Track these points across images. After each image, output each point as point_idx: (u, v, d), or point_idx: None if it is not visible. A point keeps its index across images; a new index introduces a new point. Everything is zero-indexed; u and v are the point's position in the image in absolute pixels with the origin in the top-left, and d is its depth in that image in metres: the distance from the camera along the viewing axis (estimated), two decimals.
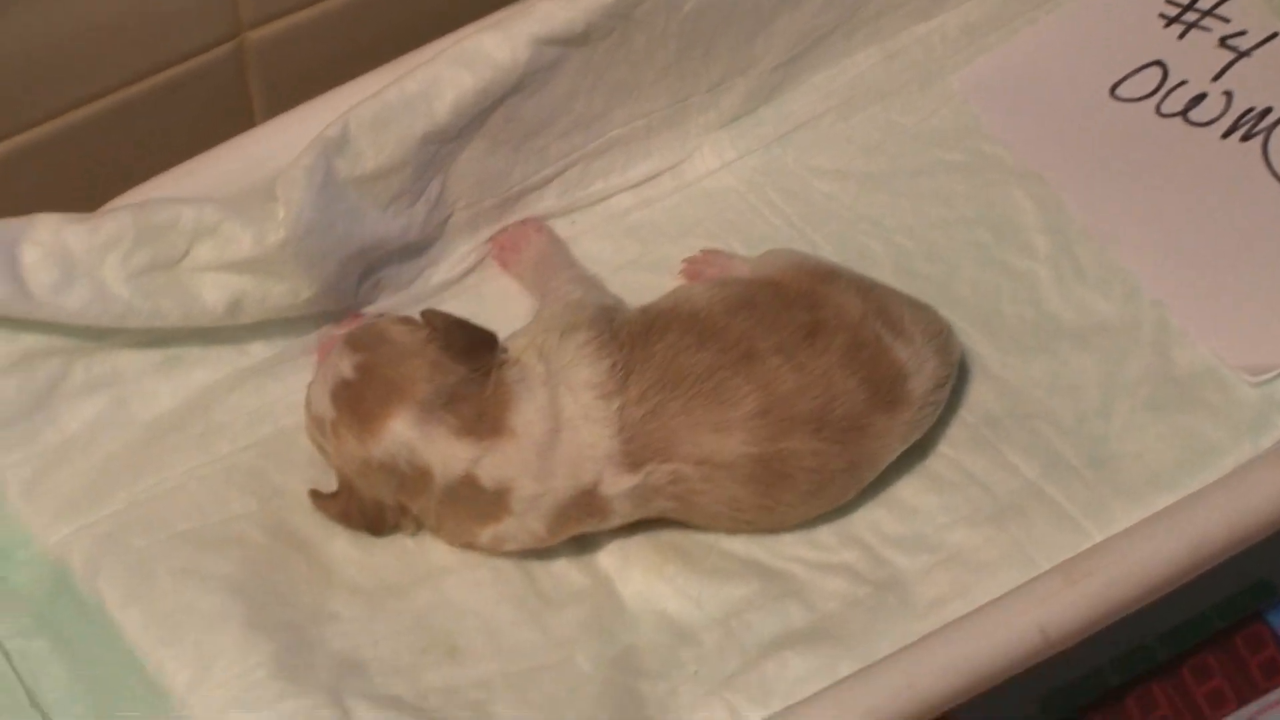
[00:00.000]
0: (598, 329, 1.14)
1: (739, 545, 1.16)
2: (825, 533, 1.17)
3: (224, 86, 1.28)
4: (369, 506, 1.13)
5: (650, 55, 1.25)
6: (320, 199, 1.15)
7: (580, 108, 1.24)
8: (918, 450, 1.19)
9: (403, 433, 1.10)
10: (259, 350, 1.20)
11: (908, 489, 1.18)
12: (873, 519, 1.17)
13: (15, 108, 1.21)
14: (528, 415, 1.12)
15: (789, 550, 1.16)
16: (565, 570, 1.16)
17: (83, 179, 1.24)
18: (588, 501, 1.12)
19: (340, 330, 1.20)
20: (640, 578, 1.15)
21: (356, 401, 1.11)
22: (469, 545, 1.14)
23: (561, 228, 1.28)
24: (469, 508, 1.12)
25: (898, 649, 1.08)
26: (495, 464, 1.11)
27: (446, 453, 1.11)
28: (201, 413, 1.18)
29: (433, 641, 1.13)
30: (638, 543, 1.16)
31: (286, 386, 1.20)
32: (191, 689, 1.09)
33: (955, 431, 1.20)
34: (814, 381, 1.13)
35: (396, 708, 1.09)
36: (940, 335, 1.18)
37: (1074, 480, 1.18)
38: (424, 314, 1.15)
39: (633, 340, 1.14)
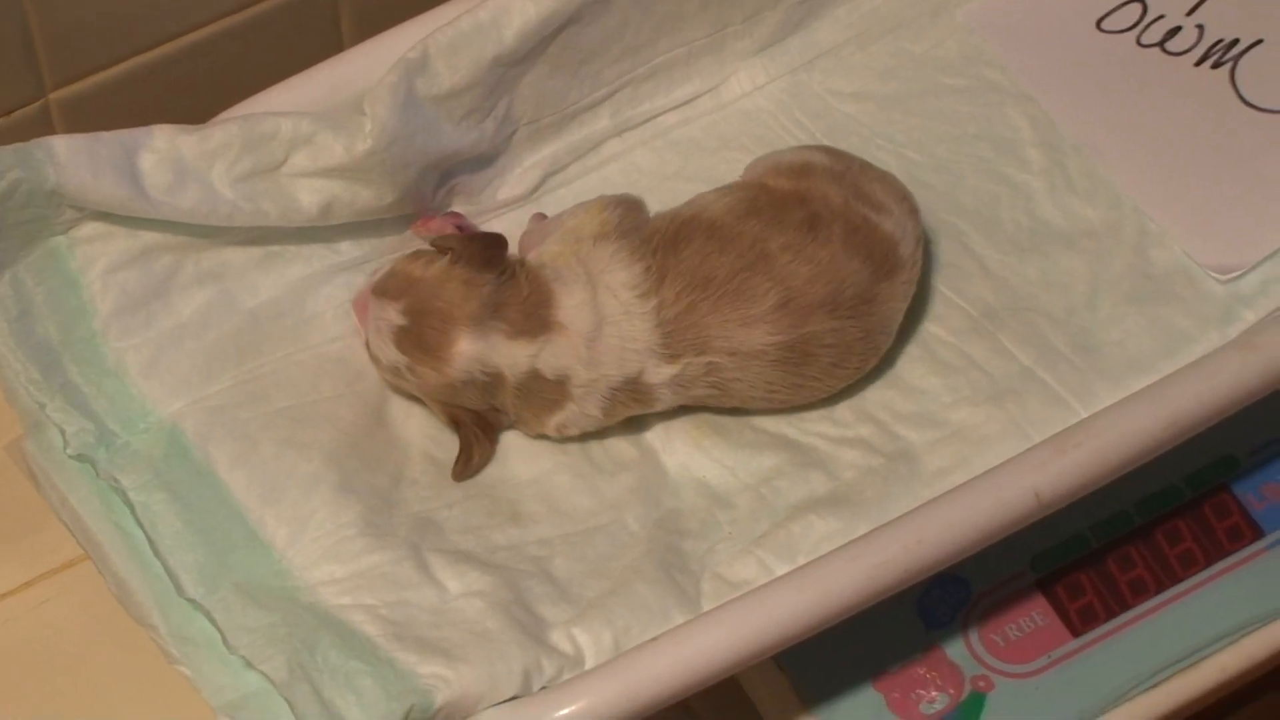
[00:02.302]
0: (629, 238, 1.19)
1: (769, 423, 1.21)
2: (844, 411, 1.22)
3: (318, 14, 1.32)
4: (478, 419, 1.18)
5: None
6: (402, 114, 1.20)
7: (630, 36, 1.29)
8: (925, 340, 1.24)
9: (470, 350, 1.16)
10: (347, 249, 1.25)
11: (916, 373, 1.23)
12: (885, 399, 1.22)
13: (137, 32, 1.25)
14: (571, 310, 1.17)
15: (813, 427, 1.21)
16: (616, 444, 1.21)
17: (194, 95, 1.28)
18: (635, 388, 1.18)
19: (415, 228, 1.26)
20: (682, 449, 1.21)
21: (419, 340, 1.16)
22: (542, 435, 1.20)
23: (613, 145, 1.32)
24: (538, 399, 1.18)
25: (908, 511, 1.12)
26: (553, 356, 1.17)
27: (509, 354, 1.16)
28: (297, 303, 1.23)
29: (498, 507, 1.18)
30: (680, 421, 1.21)
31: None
32: (290, 543, 1.14)
33: (958, 323, 1.24)
34: (823, 270, 1.17)
35: (468, 561, 1.14)
36: (907, 197, 1.23)
37: (1063, 365, 1.22)
38: (433, 242, 1.18)
39: (664, 246, 1.18)
